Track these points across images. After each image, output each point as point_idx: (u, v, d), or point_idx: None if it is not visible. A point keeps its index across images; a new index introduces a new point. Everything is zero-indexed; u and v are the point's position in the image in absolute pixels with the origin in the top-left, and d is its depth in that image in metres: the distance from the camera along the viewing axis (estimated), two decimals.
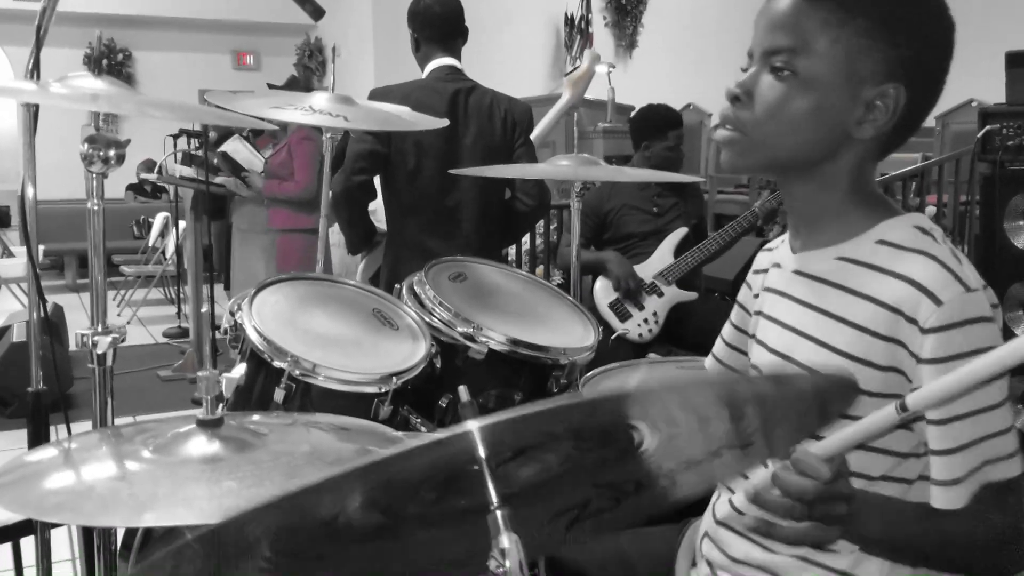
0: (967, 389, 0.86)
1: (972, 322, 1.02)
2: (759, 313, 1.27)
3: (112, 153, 1.50)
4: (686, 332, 3.60)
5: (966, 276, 1.04)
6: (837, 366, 1.09)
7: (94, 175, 1.51)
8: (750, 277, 1.36)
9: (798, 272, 1.19)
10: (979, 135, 3.11)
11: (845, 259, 1.12)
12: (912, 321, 1.03)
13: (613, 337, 3.52)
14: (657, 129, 3.78)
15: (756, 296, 1.31)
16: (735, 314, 1.41)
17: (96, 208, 1.54)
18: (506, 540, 0.80)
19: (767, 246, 1.34)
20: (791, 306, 1.20)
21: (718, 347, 1.47)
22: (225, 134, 5.47)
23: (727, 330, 1.44)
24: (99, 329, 1.57)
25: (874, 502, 1.05)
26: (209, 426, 1.16)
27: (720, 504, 1.28)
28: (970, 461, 1.03)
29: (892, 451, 1.10)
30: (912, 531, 1.04)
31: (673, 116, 3.84)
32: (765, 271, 1.29)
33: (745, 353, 1.35)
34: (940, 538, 1.04)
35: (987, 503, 1.03)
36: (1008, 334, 3.05)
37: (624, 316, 3.59)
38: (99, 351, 1.55)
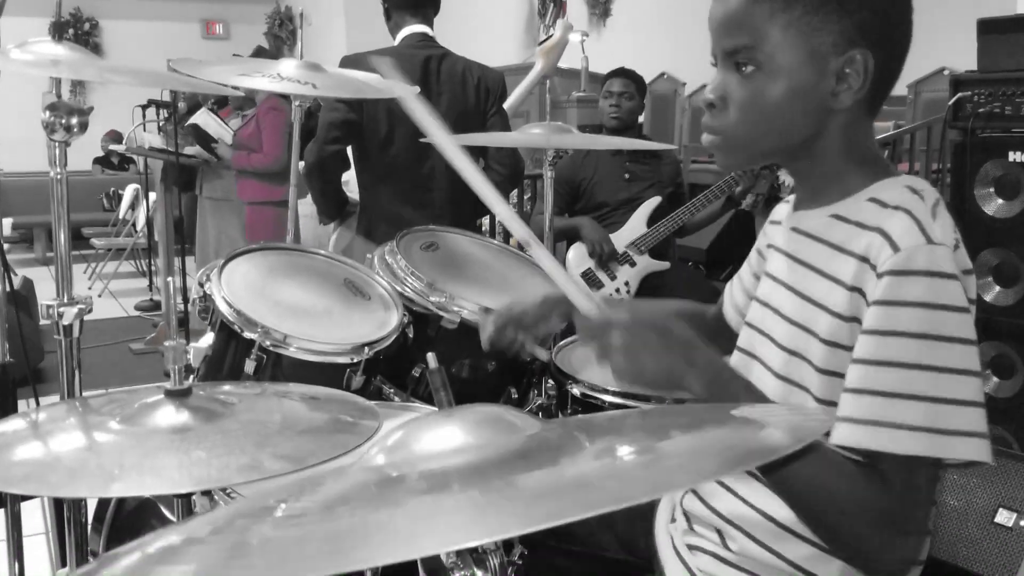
0: None
1: (927, 274, 1.00)
2: (764, 272, 1.28)
3: (75, 121, 1.48)
4: None
5: (933, 230, 1.03)
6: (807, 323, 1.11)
7: (56, 143, 1.48)
8: (766, 226, 1.36)
9: (794, 228, 1.21)
10: (950, 103, 3.12)
11: (836, 216, 1.14)
12: (873, 267, 1.04)
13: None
14: (600, 84, 3.82)
15: (769, 247, 1.31)
16: (753, 257, 1.40)
17: (59, 177, 1.51)
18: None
19: (786, 199, 1.34)
20: (781, 259, 1.22)
21: (738, 293, 1.44)
22: (194, 106, 5.40)
23: (746, 273, 1.42)
24: (65, 300, 1.55)
25: (716, 369, 1.06)
26: (177, 396, 1.15)
27: None
28: (875, 410, 1.00)
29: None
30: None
31: (613, 70, 3.89)
32: (778, 223, 1.30)
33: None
34: (806, 472, 1.02)
35: (870, 470, 1.00)
36: (978, 301, 3.08)
37: (596, 286, 3.59)
38: (65, 322, 1.53)
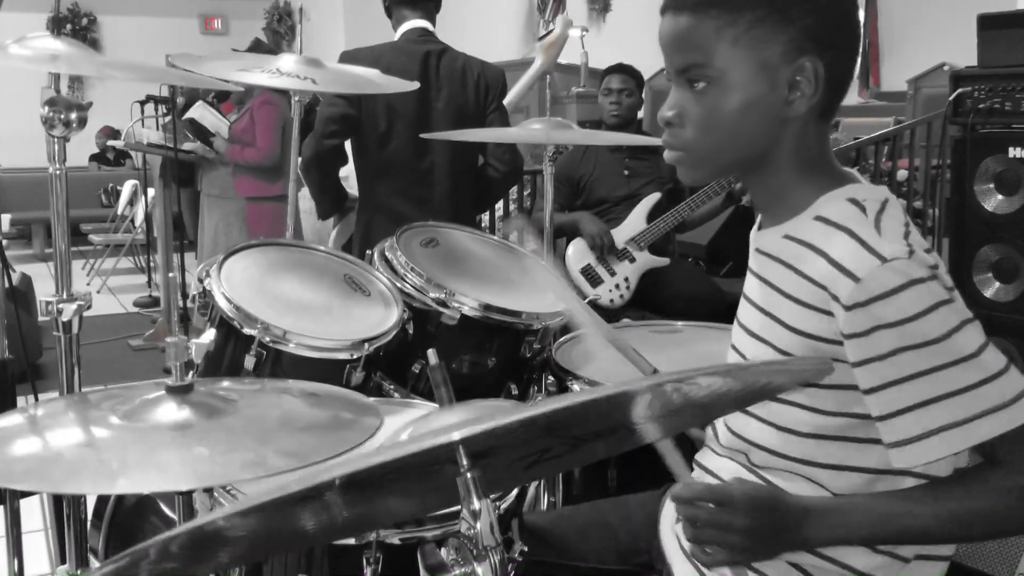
0: None
1: (895, 291, 1.01)
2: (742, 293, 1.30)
3: (73, 116, 1.47)
4: (659, 298, 3.60)
5: (882, 248, 1.03)
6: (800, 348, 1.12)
7: (55, 139, 1.47)
8: None
9: (757, 249, 1.23)
10: (951, 98, 3.12)
11: (789, 237, 1.15)
12: (836, 299, 1.05)
13: (585, 303, 3.52)
14: (600, 82, 3.83)
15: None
16: None
17: (58, 173, 1.50)
18: (477, 503, 0.81)
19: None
20: (752, 280, 1.24)
21: None
22: (192, 101, 5.39)
23: None
24: (64, 296, 1.55)
25: (816, 510, 1.07)
26: (178, 392, 1.15)
27: (706, 458, 1.29)
28: (916, 424, 1.02)
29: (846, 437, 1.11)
30: (883, 524, 1.06)
31: (611, 66, 3.88)
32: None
33: None
34: (934, 519, 1.05)
35: (987, 466, 1.03)
36: (977, 296, 3.08)
37: (596, 282, 3.58)
38: (64, 318, 1.53)
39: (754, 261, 1.24)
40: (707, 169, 1.18)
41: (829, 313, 1.06)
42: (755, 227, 1.27)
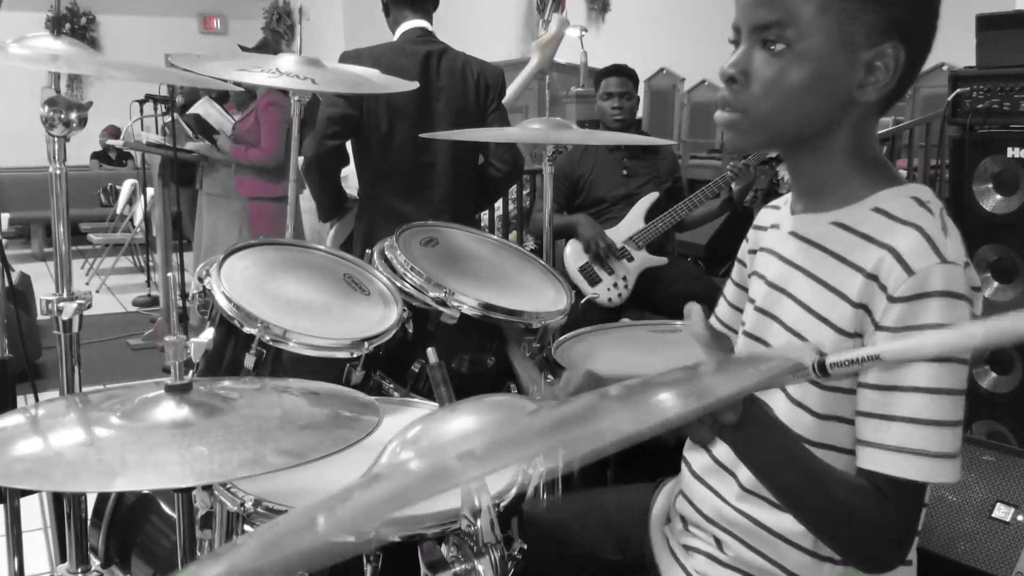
0: (895, 363, 0.87)
1: (942, 295, 0.99)
2: (753, 273, 1.26)
3: (73, 116, 1.48)
4: (657, 297, 3.61)
5: (946, 249, 1.01)
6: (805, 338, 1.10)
7: (55, 138, 1.48)
8: (750, 232, 1.34)
9: (793, 233, 1.18)
10: (949, 99, 3.12)
11: (838, 224, 1.11)
12: (883, 288, 1.02)
13: (583, 301, 3.52)
14: (596, 83, 3.85)
15: (752, 252, 1.29)
16: (736, 271, 1.38)
17: (58, 172, 1.51)
18: (477, 500, 0.81)
19: (772, 203, 1.31)
20: (780, 265, 1.19)
21: (721, 307, 1.41)
22: (192, 100, 5.39)
23: (729, 288, 1.39)
24: (64, 295, 1.55)
25: (768, 430, 1.00)
26: (178, 391, 1.15)
27: (694, 457, 1.29)
28: (903, 437, 1.00)
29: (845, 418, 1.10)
30: (794, 477, 1.02)
31: (608, 67, 3.88)
32: (764, 228, 1.28)
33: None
34: (825, 499, 1.02)
35: (888, 494, 1.01)
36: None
37: (594, 280, 3.59)
38: (64, 317, 1.53)
39: (785, 246, 1.19)
40: (760, 136, 1.11)
41: (862, 306, 1.04)
42: (784, 209, 1.23)
